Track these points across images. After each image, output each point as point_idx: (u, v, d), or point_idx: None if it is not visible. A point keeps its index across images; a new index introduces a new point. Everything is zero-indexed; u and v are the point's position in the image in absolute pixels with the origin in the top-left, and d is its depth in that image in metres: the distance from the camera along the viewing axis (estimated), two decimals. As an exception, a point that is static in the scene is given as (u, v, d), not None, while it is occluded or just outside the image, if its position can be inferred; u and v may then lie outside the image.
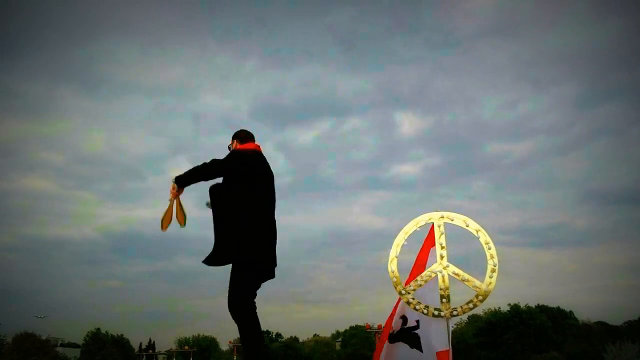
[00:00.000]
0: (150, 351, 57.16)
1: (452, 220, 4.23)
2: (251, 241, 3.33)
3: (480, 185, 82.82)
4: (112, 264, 78.52)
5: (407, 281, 4.28)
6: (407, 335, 4.46)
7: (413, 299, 4.13)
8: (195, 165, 3.48)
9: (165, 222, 3.65)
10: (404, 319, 4.51)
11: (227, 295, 3.34)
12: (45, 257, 78.15)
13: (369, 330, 31.08)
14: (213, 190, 3.54)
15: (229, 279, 3.39)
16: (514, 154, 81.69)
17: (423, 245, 4.37)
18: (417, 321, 4.42)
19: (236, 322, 3.29)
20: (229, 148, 3.80)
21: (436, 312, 4.05)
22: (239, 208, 3.38)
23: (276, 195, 3.66)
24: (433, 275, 4.13)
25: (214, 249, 3.40)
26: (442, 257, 4.15)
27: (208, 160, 3.47)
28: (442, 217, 4.26)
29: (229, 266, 3.46)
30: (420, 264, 4.33)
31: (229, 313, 3.38)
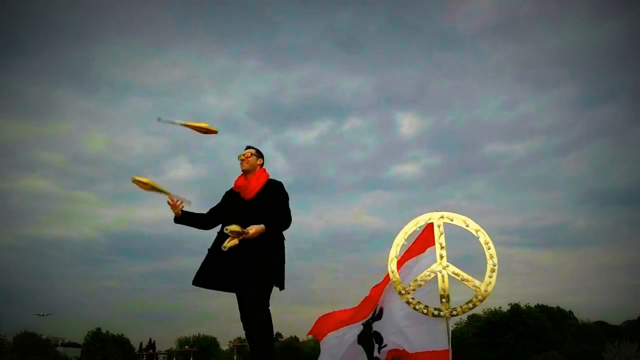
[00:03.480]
0: (151, 351, 57.26)
1: (452, 220, 4.25)
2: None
3: (480, 185, 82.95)
4: (112, 264, 78.63)
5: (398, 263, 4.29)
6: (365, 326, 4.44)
7: (413, 298, 4.14)
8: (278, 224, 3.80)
9: (144, 182, 3.65)
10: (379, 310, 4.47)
11: (251, 302, 3.59)
12: (45, 257, 78.22)
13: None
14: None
15: (254, 288, 3.61)
16: (514, 154, 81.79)
17: (415, 241, 4.38)
18: (381, 309, 4.41)
19: (259, 326, 3.59)
20: (252, 152, 3.96)
21: (436, 312, 4.07)
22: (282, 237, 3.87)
23: None
24: (433, 275, 4.14)
25: (276, 270, 3.76)
26: (441, 257, 4.16)
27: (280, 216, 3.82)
28: (442, 217, 4.27)
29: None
30: (409, 256, 4.34)
31: (239, 313, 3.70)
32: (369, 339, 4.42)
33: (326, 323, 4.67)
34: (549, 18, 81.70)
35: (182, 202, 3.77)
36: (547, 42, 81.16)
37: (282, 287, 3.79)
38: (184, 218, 3.83)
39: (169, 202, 3.76)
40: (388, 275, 4.46)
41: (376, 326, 4.42)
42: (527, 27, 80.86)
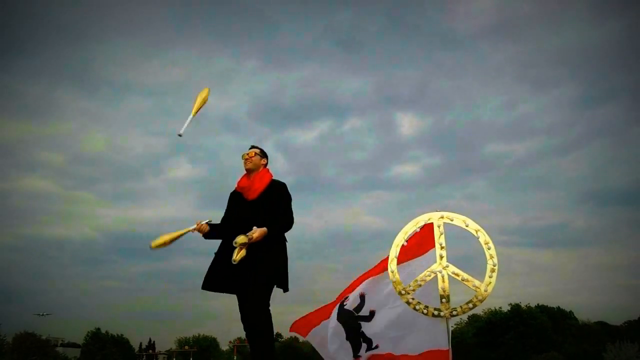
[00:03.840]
0: (151, 351, 57.28)
1: (452, 221, 4.24)
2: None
3: (480, 185, 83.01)
4: (112, 264, 78.69)
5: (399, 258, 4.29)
6: (351, 321, 4.39)
7: (413, 299, 4.14)
8: (279, 227, 3.78)
9: (162, 242, 3.70)
10: (362, 298, 4.45)
11: (252, 303, 3.58)
12: (45, 257, 78.24)
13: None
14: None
15: (255, 289, 3.61)
16: (514, 154, 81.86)
17: (412, 238, 4.37)
18: (372, 312, 4.36)
19: (259, 327, 3.59)
20: (255, 152, 3.96)
21: (436, 312, 4.06)
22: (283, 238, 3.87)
23: None
24: (432, 275, 4.14)
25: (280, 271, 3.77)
26: (441, 257, 4.15)
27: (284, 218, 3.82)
28: (442, 217, 4.26)
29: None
30: (407, 251, 4.34)
31: (240, 314, 3.69)
32: (356, 337, 4.39)
33: (309, 321, 4.66)
34: (549, 18, 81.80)
35: (204, 225, 3.82)
36: (547, 42, 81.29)
37: (286, 289, 3.78)
38: (211, 233, 3.87)
39: (195, 230, 3.82)
40: (374, 268, 4.48)
41: (366, 328, 4.37)
42: (527, 27, 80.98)
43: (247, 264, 3.63)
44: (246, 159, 3.92)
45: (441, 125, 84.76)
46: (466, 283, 4.08)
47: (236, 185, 3.98)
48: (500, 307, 43.09)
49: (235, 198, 3.96)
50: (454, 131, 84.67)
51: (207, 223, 3.83)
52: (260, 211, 3.74)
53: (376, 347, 4.30)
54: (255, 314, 3.57)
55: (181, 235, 3.75)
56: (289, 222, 3.83)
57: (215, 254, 3.83)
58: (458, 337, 37.14)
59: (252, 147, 3.99)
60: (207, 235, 3.83)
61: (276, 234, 3.71)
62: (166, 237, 3.70)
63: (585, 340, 39.73)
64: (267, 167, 4.00)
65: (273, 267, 3.69)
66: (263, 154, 3.98)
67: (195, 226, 3.78)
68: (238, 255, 3.47)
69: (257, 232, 3.55)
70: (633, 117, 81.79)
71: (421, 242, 4.34)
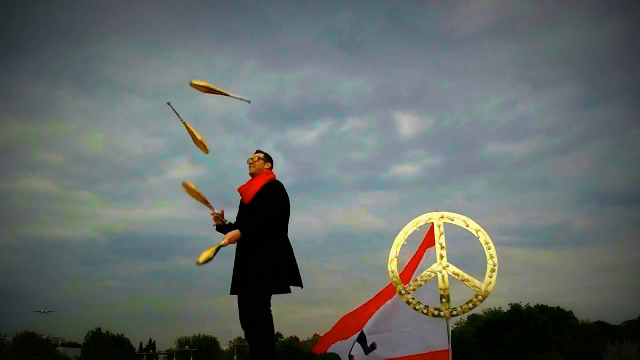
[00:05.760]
0: (151, 351, 57.24)
1: (452, 220, 4.25)
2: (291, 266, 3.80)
3: (480, 185, 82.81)
4: (112, 264, 78.53)
5: (402, 278, 4.32)
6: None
7: (413, 298, 4.14)
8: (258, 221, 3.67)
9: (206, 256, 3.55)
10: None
11: (251, 303, 3.58)
12: (45, 257, 78.11)
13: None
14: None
15: (253, 290, 3.60)
16: (514, 154, 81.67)
17: (421, 245, 4.40)
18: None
19: (258, 327, 3.58)
20: (259, 156, 4.00)
21: (436, 312, 4.06)
22: (281, 236, 3.78)
23: None
24: (433, 275, 4.14)
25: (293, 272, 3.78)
26: (441, 257, 4.16)
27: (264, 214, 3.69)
28: (442, 217, 4.27)
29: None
30: (413, 265, 4.37)
31: (239, 317, 3.70)
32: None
33: (329, 339, 4.75)
34: (549, 18, 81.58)
35: (221, 215, 3.90)
36: (547, 42, 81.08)
37: (299, 286, 3.80)
38: (225, 226, 3.91)
39: (212, 214, 3.90)
40: (384, 290, 4.53)
41: (376, 339, 4.45)
42: (527, 27, 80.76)
43: (244, 265, 3.65)
44: (250, 164, 3.98)
45: (441, 125, 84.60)
46: (466, 283, 4.09)
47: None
48: (500, 307, 43.09)
49: (240, 202, 4.02)
50: (454, 131, 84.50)
51: (222, 218, 3.91)
52: (254, 214, 3.77)
53: (372, 346, 4.32)
54: (254, 314, 3.57)
55: (207, 203, 3.83)
56: (266, 218, 3.68)
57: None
58: (458, 337, 37.14)
59: (257, 151, 4.03)
60: (218, 228, 3.93)
61: (253, 231, 3.64)
62: (198, 192, 3.76)
63: (584, 340, 39.71)
64: (272, 170, 4.02)
65: (269, 266, 3.67)
66: (267, 158, 4.02)
67: (216, 213, 3.88)
68: (202, 257, 3.44)
69: (225, 238, 3.58)
70: (633, 117, 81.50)
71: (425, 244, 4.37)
